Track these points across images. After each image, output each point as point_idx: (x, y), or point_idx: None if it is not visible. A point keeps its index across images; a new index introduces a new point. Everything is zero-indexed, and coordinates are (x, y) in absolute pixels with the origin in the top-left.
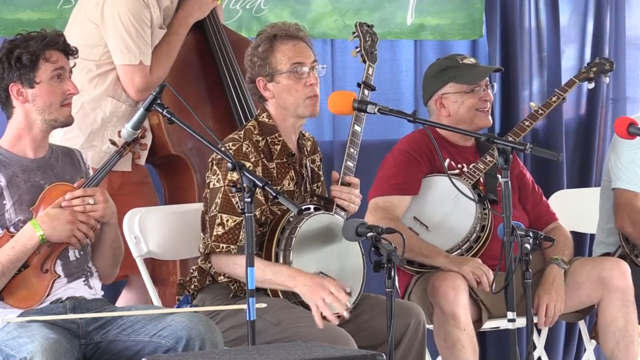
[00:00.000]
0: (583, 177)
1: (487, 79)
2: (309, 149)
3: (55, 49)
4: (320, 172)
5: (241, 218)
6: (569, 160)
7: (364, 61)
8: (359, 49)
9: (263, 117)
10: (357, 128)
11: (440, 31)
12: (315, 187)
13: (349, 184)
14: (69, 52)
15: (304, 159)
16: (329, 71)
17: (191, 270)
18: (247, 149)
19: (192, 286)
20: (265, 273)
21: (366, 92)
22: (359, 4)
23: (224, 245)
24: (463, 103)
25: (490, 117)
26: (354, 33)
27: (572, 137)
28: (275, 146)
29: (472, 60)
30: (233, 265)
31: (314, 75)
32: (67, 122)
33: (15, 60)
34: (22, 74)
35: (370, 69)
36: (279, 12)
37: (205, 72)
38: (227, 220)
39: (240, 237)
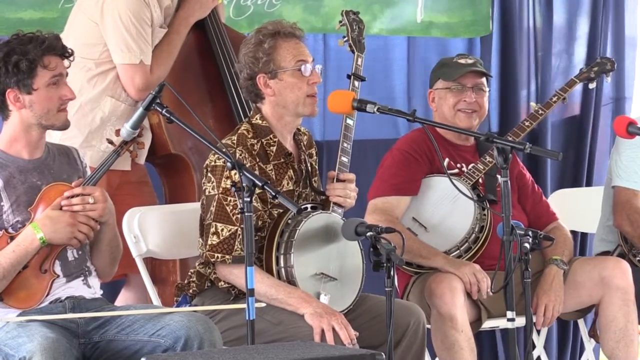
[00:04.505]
0: (577, 177)
1: (483, 81)
2: (305, 143)
3: (54, 54)
4: (316, 166)
5: (236, 227)
6: (562, 160)
7: (352, 51)
8: (346, 38)
9: (256, 118)
10: (349, 122)
11: (448, 28)
12: (313, 182)
13: (343, 181)
14: (66, 54)
15: (302, 155)
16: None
17: (189, 274)
18: (240, 155)
19: (191, 290)
20: (278, 292)
21: (356, 83)
22: (372, 0)
23: (219, 255)
24: (446, 101)
25: (474, 120)
26: (340, 22)
27: (567, 137)
28: (271, 148)
29: (468, 61)
30: (232, 276)
31: (317, 74)
32: (64, 126)
33: (13, 66)
34: (20, 80)
35: (360, 59)
36: (292, 8)
37: (206, 72)
38: (222, 230)
39: (236, 247)
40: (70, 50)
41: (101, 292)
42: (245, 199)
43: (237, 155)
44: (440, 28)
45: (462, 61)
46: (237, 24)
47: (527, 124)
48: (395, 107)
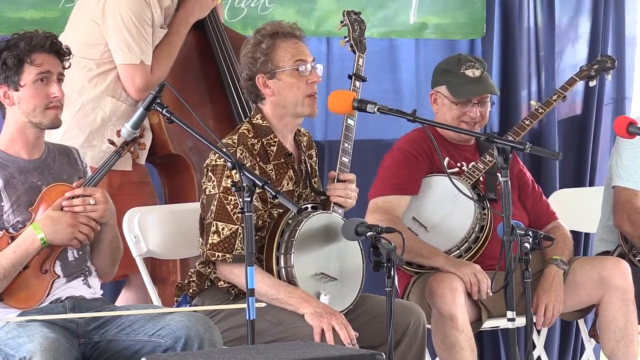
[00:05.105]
0: (577, 177)
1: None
2: (305, 144)
3: (42, 51)
4: (316, 167)
5: (237, 226)
6: (563, 159)
7: (354, 51)
8: (347, 38)
9: (257, 118)
10: (350, 122)
11: (441, 30)
12: (313, 182)
13: (344, 181)
14: (62, 53)
15: (302, 155)
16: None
17: (189, 274)
18: (241, 154)
19: (191, 290)
20: (279, 292)
21: (357, 83)
22: (364, 3)
23: (219, 254)
24: (450, 110)
25: (475, 129)
26: (341, 22)
27: (567, 137)
28: (272, 147)
29: (475, 73)
30: (232, 275)
31: (316, 74)
32: (53, 125)
33: (2, 63)
34: (8, 76)
35: (361, 60)
36: (284, 11)
37: (206, 72)
38: (223, 229)
39: (236, 246)
40: (66, 50)
41: (101, 292)
42: (245, 198)
43: (238, 154)
44: (433, 30)
45: (470, 74)
46: (232, 26)
47: (527, 122)
48: (403, 108)
